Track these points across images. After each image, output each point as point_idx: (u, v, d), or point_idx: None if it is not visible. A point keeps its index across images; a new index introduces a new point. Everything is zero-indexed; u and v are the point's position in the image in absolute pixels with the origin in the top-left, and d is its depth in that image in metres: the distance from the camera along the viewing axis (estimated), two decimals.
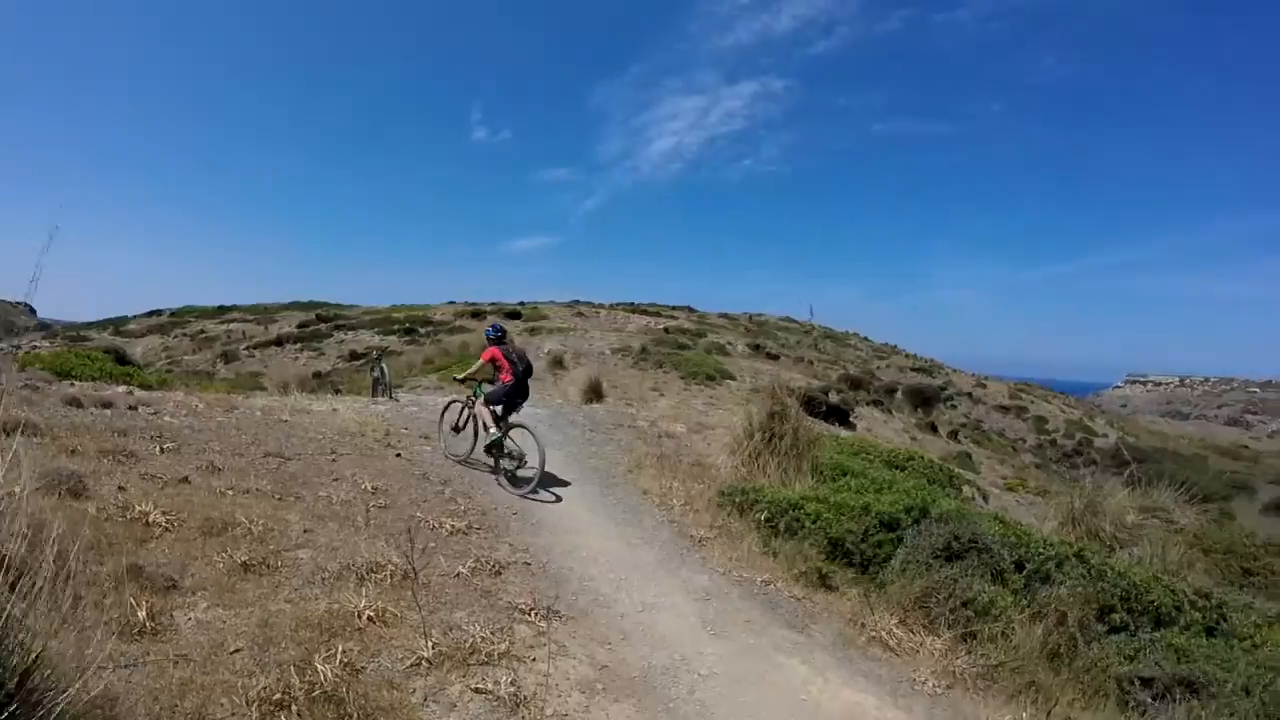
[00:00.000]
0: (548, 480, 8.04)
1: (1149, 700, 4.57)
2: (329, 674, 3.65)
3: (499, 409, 8.37)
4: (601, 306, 47.66)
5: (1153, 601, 5.74)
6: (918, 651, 5.22)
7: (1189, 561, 7.70)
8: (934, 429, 24.64)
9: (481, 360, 8.64)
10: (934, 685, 4.87)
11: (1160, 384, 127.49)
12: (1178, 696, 4.51)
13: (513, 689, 3.97)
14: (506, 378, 8.35)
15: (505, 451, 8.25)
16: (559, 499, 7.85)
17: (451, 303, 51.66)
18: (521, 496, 7.70)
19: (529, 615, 4.90)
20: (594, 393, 16.46)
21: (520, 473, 8.03)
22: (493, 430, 8.28)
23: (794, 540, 6.61)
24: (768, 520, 6.95)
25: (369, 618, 4.41)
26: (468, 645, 4.33)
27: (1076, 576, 5.79)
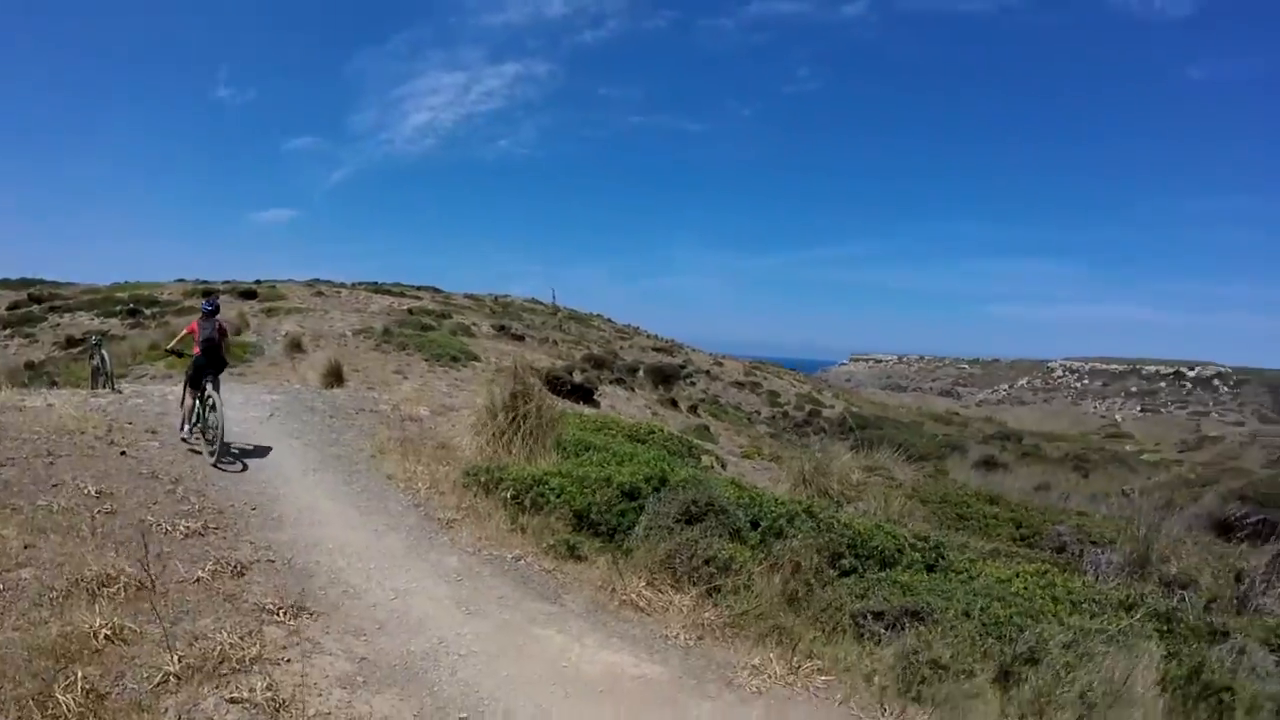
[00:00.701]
0: (260, 453, 8.37)
1: (881, 631, 5.08)
2: (71, 704, 3.39)
3: (192, 383, 8.53)
4: (343, 286, 44.95)
5: (877, 546, 6.36)
6: (667, 609, 5.46)
7: (909, 511, 8.63)
8: (674, 404, 25.59)
9: (184, 332, 8.88)
10: (686, 638, 5.10)
11: (881, 361, 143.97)
12: (906, 625, 5.04)
13: (270, 694, 3.79)
14: (196, 350, 8.49)
15: (198, 424, 8.36)
16: (245, 468, 7.85)
17: (181, 280, 46.71)
18: (215, 466, 7.67)
19: (278, 615, 4.65)
20: (335, 377, 15.52)
21: (213, 445, 7.95)
22: (186, 403, 8.49)
23: (541, 515, 6.66)
24: (514, 498, 6.94)
25: (106, 637, 4.04)
26: (217, 654, 4.05)
27: (807, 530, 6.27)
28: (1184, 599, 6.43)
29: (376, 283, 48.73)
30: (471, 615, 5.07)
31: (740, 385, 49.10)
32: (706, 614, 5.37)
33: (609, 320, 59.97)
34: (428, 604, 5.18)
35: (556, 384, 16.32)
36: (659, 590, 5.66)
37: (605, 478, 6.95)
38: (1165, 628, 5.46)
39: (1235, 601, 6.73)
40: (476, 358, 24.17)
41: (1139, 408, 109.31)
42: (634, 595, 5.55)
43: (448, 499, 7.33)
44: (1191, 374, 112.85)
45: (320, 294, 40.13)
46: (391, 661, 4.38)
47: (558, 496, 6.76)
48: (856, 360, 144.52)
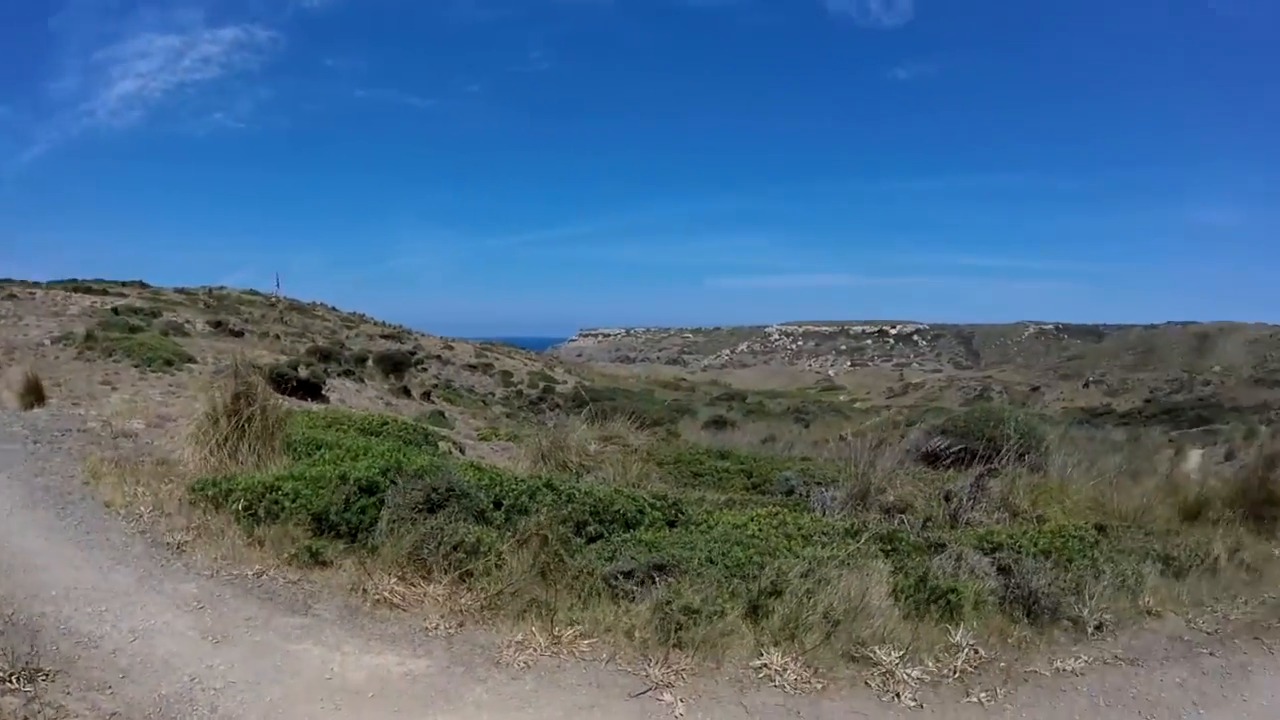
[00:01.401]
0: None
1: (634, 588, 5.26)
2: None
3: None
4: (37, 286, 38.82)
5: (619, 510, 6.54)
6: (423, 602, 5.33)
7: (646, 474, 8.89)
8: (407, 392, 25.03)
9: None
10: (446, 627, 5.07)
11: (609, 334, 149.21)
12: (655, 579, 5.26)
13: None
14: None
15: None
16: None
17: None
18: None
19: (10, 682, 3.97)
20: (34, 394, 13.48)
21: None
22: None
23: (278, 524, 6.28)
24: (247, 509, 6.49)
25: None
26: None
27: (550, 503, 6.37)
28: (903, 522, 7.16)
29: (76, 280, 42.45)
30: (221, 643, 4.71)
31: (473, 368, 49.24)
32: (463, 600, 5.34)
33: (333, 309, 57.55)
34: (171, 640, 4.72)
35: (281, 381, 15.42)
36: (411, 584, 5.52)
37: (341, 475, 6.64)
38: (890, 547, 6.11)
39: (947, 519, 7.52)
40: (193, 359, 21.35)
41: (849, 363, 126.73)
42: (387, 593, 5.39)
43: (175, 520, 6.63)
44: (893, 331, 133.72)
45: (12, 296, 34.26)
46: (145, 711, 3.98)
47: (293, 501, 6.38)
48: (585, 335, 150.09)
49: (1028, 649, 5.20)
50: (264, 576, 5.72)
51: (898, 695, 4.46)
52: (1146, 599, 6.06)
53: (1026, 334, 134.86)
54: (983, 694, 4.59)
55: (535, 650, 4.79)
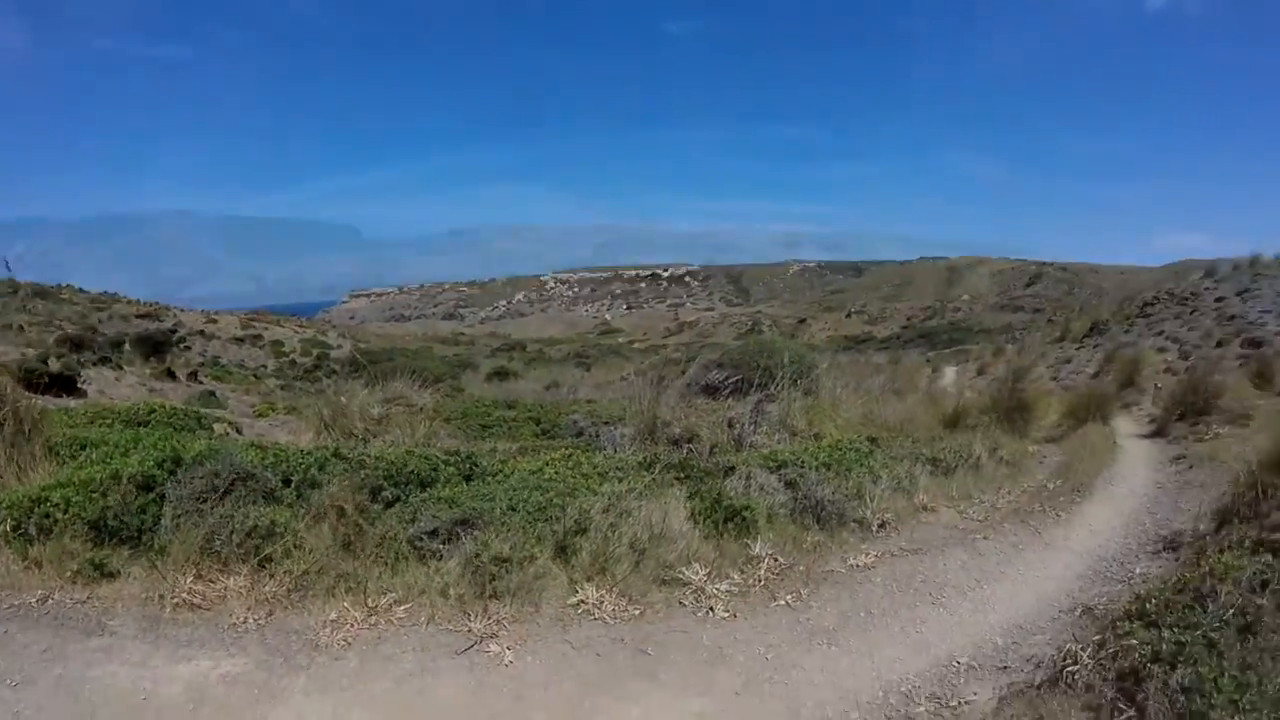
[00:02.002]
0: None
1: (440, 546, 5.28)
2: None
3: None
4: None
5: (413, 471, 6.44)
6: (225, 597, 5.02)
7: (435, 432, 8.85)
8: (172, 375, 22.87)
9: None
10: (255, 619, 4.89)
11: (382, 294, 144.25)
12: (460, 534, 5.31)
13: None
14: None
15: None
16: None
17: None
18: None
19: None
20: None
21: None
22: None
23: (53, 540, 5.70)
24: (15, 529, 5.86)
25: None
26: None
27: (341, 472, 6.27)
28: (691, 451, 7.61)
29: None
30: (18, 686, 4.24)
31: (240, 341, 46.22)
32: (266, 587, 5.12)
33: (81, 290, 51.39)
34: None
35: (32, 378, 13.80)
36: (209, 580, 5.17)
37: (113, 474, 6.10)
38: (683, 475, 6.46)
39: (732, 444, 8.00)
40: None
41: (625, 306, 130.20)
42: (185, 594, 5.06)
43: None
44: (666, 274, 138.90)
45: None
46: None
47: (65, 512, 5.77)
48: (357, 297, 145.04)
49: (822, 552, 5.77)
50: (49, 601, 5.18)
51: (711, 609, 4.85)
52: (921, 497, 6.92)
53: (791, 271, 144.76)
54: (788, 596, 5.08)
55: (352, 626, 4.74)
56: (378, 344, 53.81)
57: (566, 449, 7.61)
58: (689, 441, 8.03)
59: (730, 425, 8.35)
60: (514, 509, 5.71)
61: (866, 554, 5.80)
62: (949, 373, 26.36)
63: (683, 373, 16.01)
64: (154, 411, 10.03)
